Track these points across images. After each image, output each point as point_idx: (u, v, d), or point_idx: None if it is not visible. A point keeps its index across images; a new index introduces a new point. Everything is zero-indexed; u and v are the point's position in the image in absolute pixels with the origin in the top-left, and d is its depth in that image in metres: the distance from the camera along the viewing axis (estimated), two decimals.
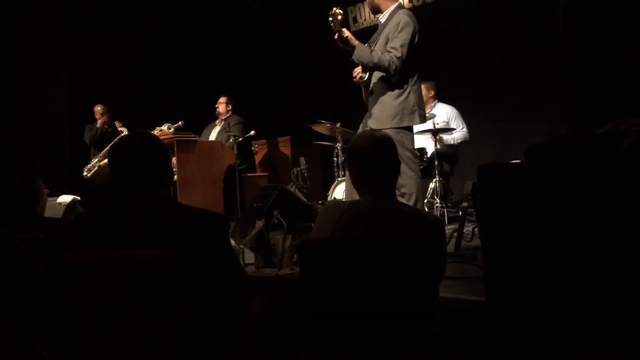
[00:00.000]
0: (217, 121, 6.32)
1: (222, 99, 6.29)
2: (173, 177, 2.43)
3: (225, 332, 1.80)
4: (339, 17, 3.33)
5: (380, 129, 3.39)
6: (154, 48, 7.55)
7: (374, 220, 1.84)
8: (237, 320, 1.88)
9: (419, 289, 1.65)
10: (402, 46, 3.30)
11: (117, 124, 6.39)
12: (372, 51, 3.35)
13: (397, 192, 3.39)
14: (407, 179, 3.34)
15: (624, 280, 1.61)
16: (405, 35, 3.32)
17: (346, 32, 3.40)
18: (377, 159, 1.93)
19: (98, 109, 6.49)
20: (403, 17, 3.38)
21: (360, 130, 3.68)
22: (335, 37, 3.42)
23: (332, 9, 3.32)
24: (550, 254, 1.75)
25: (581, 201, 1.67)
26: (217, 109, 6.27)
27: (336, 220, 1.85)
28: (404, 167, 3.33)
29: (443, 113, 5.37)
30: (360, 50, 3.37)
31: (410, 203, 3.27)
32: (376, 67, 3.38)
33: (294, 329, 2.29)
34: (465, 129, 5.41)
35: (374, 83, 3.50)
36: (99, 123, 6.38)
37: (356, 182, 2.02)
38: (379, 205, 1.88)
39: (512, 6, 5.72)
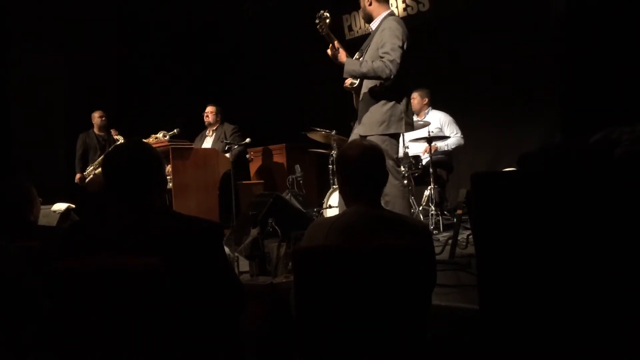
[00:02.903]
0: (207, 131, 6.30)
1: (211, 109, 6.23)
2: (167, 185, 2.43)
3: (221, 340, 1.80)
4: (327, 20, 3.35)
5: (367, 135, 3.41)
6: (150, 55, 7.56)
7: (363, 230, 1.84)
8: (233, 328, 1.88)
9: (412, 295, 1.66)
10: (393, 50, 3.30)
11: (113, 132, 6.38)
12: (361, 63, 3.37)
13: (382, 201, 3.41)
14: (390, 187, 3.34)
15: (616, 286, 1.62)
16: (395, 40, 3.33)
17: (338, 46, 3.43)
18: (365, 168, 1.94)
19: (96, 114, 6.47)
20: (392, 22, 3.40)
21: (351, 136, 3.69)
22: (329, 51, 3.44)
23: (319, 12, 3.34)
24: (544, 261, 1.76)
25: (573, 209, 1.69)
26: (207, 119, 6.23)
27: (325, 235, 1.86)
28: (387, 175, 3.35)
29: (436, 120, 5.39)
30: (349, 66, 3.40)
31: (395, 211, 3.27)
32: (366, 76, 3.40)
33: (289, 337, 2.28)
34: (459, 134, 5.43)
35: (364, 90, 3.52)
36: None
37: (343, 190, 2.03)
38: (366, 214, 1.90)
39: (505, 14, 5.77)
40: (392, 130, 3.40)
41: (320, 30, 3.36)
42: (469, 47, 6.08)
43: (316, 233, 1.91)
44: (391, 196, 3.35)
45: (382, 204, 3.42)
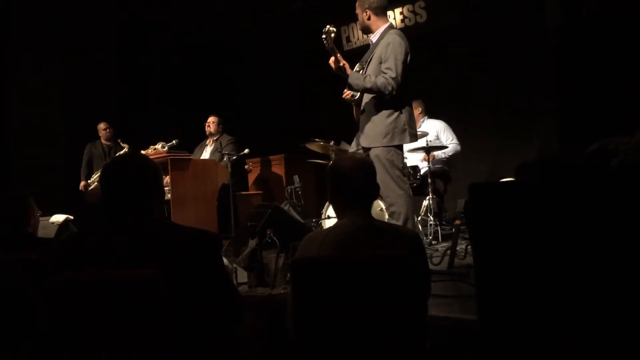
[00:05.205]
0: (208, 141, 6.32)
1: (213, 119, 6.28)
2: (165, 196, 2.42)
3: (219, 351, 1.79)
4: (332, 34, 3.37)
5: (371, 147, 3.43)
6: (150, 66, 7.59)
7: (357, 240, 1.86)
8: (230, 339, 1.88)
9: (408, 304, 1.66)
10: (396, 66, 3.33)
11: (119, 141, 6.45)
12: (365, 77, 3.38)
13: (387, 212, 3.41)
14: (396, 197, 3.35)
15: (615, 295, 1.62)
16: (398, 55, 3.35)
17: (342, 61, 3.45)
18: (357, 180, 1.96)
19: (101, 125, 6.53)
20: (394, 37, 3.41)
21: (352, 148, 3.70)
22: (331, 62, 3.46)
23: (325, 27, 3.36)
24: (542, 271, 1.76)
25: (570, 219, 1.69)
26: (209, 129, 6.27)
27: (318, 248, 1.87)
28: (393, 186, 3.35)
29: (432, 128, 5.41)
30: (354, 79, 3.42)
31: (400, 222, 3.27)
32: (370, 91, 3.41)
33: (287, 348, 2.28)
34: (455, 141, 5.45)
35: (366, 102, 3.53)
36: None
37: (335, 202, 2.04)
38: (359, 225, 1.91)
39: (502, 24, 5.82)
40: (396, 142, 3.41)
41: (326, 44, 3.38)
42: (466, 58, 6.12)
43: (309, 247, 1.92)
44: (397, 206, 3.35)
45: (388, 214, 3.43)
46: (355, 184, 1.96)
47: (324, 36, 3.36)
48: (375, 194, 2.06)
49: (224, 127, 6.32)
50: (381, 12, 3.58)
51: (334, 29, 3.38)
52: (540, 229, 1.74)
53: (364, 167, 2.00)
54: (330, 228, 2.00)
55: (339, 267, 1.68)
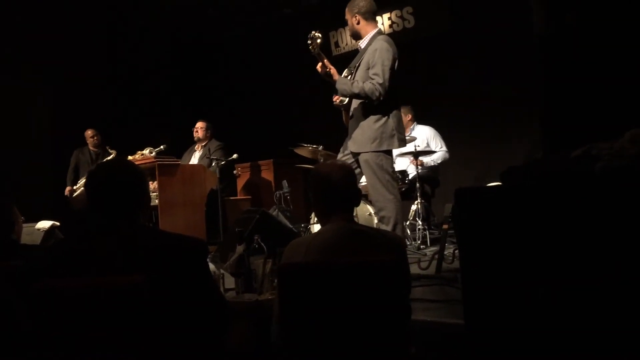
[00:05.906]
0: (196, 146, 6.32)
1: (201, 124, 6.28)
2: (150, 202, 2.40)
3: (205, 357, 1.79)
4: (318, 40, 3.39)
5: (360, 152, 3.44)
6: (138, 71, 7.56)
7: (342, 245, 1.86)
8: (217, 346, 1.87)
9: (393, 308, 1.67)
10: (383, 72, 3.35)
11: (107, 147, 6.43)
12: (352, 83, 3.40)
13: (377, 216, 3.42)
14: (385, 202, 3.36)
15: (599, 298, 1.64)
16: (385, 62, 3.37)
17: (329, 66, 3.46)
18: (339, 186, 1.97)
19: (89, 132, 6.51)
20: (382, 43, 3.43)
21: (340, 154, 3.71)
22: (318, 67, 3.48)
23: (311, 33, 3.38)
24: (527, 275, 1.77)
25: (555, 222, 1.70)
26: (197, 134, 6.26)
27: (304, 254, 1.87)
28: (382, 190, 3.36)
29: (422, 134, 5.44)
30: (341, 84, 3.44)
31: (389, 227, 3.28)
32: (357, 97, 3.43)
33: (274, 354, 2.27)
34: (444, 148, 5.48)
35: (355, 107, 3.54)
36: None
37: (318, 208, 2.05)
38: (344, 230, 1.92)
39: (490, 30, 5.86)
40: (384, 147, 3.43)
41: (312, 50, 3.41)
42: (453, 64, 6.16)
43: (295, 252, 1.92)
44: (386, 211, 3.36)
45: (377, 219, 3.44)
46: (336, 189, 1.97)
47: (309, 42, 3.38)
48: (358, 199, 2.06)
49: (212, 132, 6.31)
50: (370, 17, 3.59)
51: (319, 35, 3.40)
52: (526, 233, 1.76)
53: (345, 172, 2.02)
54: (315, 234, 2.01)
55: (324, 273, 1.68)
